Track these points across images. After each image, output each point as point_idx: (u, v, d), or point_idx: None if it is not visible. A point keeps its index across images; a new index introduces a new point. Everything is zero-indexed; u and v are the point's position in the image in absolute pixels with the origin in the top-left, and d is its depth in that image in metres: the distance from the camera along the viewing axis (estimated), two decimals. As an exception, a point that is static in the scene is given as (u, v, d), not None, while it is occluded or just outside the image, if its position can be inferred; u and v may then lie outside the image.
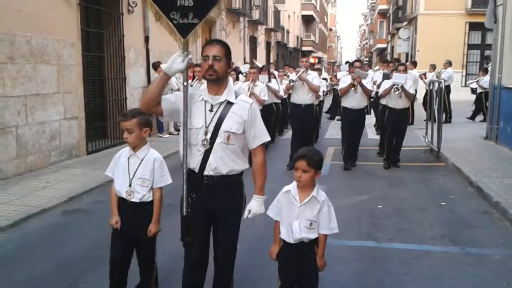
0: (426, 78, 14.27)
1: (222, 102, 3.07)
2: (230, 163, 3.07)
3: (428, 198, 6.65)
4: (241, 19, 22.31)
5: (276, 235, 3.12)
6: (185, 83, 3.05)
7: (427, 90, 11.85)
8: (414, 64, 16.03)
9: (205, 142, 3.03)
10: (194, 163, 3.08)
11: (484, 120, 13.98)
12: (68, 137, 8.86)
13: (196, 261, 3.19)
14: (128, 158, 3.42)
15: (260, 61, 23.45)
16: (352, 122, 8.61)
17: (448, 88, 13.85)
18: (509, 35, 9.88)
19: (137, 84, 11.53)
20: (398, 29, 29.52)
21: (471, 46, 23.19)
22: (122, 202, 3.41)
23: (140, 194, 3.35)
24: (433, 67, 15.35)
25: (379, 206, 6.26)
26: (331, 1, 77.96)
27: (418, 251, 4.74)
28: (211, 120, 3.04)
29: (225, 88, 3.09)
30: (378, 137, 10.71)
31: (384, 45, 45.76)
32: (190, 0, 3.01)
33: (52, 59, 8.34)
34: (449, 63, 15.23)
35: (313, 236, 3.00)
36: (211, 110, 3.06)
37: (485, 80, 14.35)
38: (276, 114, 10.94)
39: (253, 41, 25.63)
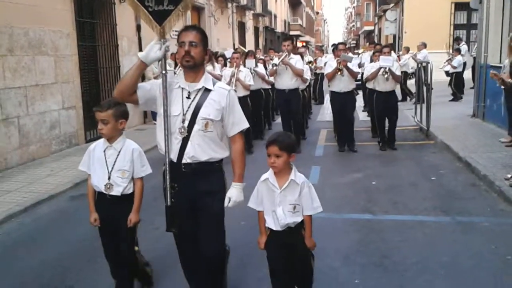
0: (400, 60, 14.44)
1: (199, 89, 3.01)
2: (209, 151, 3.01)
3: (419, 174, 6.96)
4: (229, 5, 22.39)
5: (261, 225, 3.09)
6: (163, 72, 2.97)
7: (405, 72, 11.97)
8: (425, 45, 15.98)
9: (183, 130, 2.96)
10: (173, 152, 3.01)
11: (453, 100, 14.41)
12: (67, 126, 9.04)
13: (188, 252, 3.20)
14: (104, 151, 3.29)
15: (249, 47, 23.60)
16: (342, 106, 8.57)
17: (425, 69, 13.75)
18: (493, 15, 10.16)
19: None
20: (385, 11, 29.67)
21: (457, 26, 23.45)
22: (101, 197, 3.30)
23: (120, 187, 3.24)
24: (406, 50, 15.73)
25: (373, 183, 6.56)
26: (317, -15, 77.77)
27: (412, 221, 5.05)
28: (189, 107, 2.98)
29: (202, 74, 3.04)
30: (369, 118, 10.97)
31: (371, 28, 45.84)
32: None
33: (50, 50, 8.49)
34: (423, 45, 15.41)
35: (298, 219, 2.97)
36: (188, 97, 3.00)
37: (457, 60, 14.78)
38: (267, 100, 10.74)
39: (241, 27, 25.72)
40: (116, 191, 3.24)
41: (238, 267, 3.97)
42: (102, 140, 3.33)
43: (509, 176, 5.94)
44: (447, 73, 15.60)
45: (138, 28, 11.88)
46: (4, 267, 4.29)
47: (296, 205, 2.94)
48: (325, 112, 14.06)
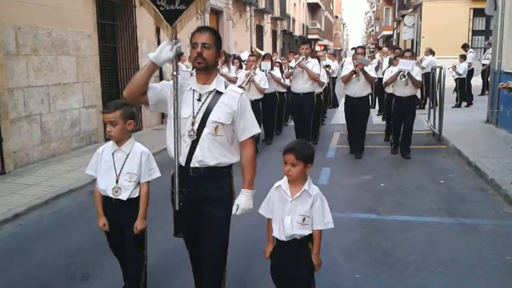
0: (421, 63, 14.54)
1: (210, 92, 2.93)
2: (218, 156, 2.94)
3: (428, 177, 7.08)
4: (248, 8, 22.65)
5: (269, 234, 3.02)
6: (175, 73, 2.92)
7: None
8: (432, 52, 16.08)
9: (192, 133, 2.89)
10: (181, 155, 2.94)
11: (467, 105, 14.50)
12: (87, 124, 9.35)
13: (195, 256, 3.17)
14: (113, 154, 3.23)
15: (267, 50, 23.82)
16: (355, 110, 8.41)
17: (428, 75, 13.36)
18: (508, 21, 10.21)
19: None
20: (403, 16, 29.66)
21: (475, 32, 23.34)
22: (107, 201, 3.24)
23: (128, 191, 3.19)
24: (430, 51, 15.74)
25: (382, 185, 6.70)
26: (337, -12, 77.75)
27: (416, 222, 5.20)
28: (199, 110, 2.91)
29: (214, 77, 2.97)
30: (382, 122, 11.07)
31: (390, 32, 45.79)
32: None
33: (71, 50, 8.82)
34: (429, 51, 15.49)
35: (306, 232, 2.89)
36: (199, 100, 2.93)
37: (462, 66, 14.88)
38: (281, 103, 10.68)
39: (259, 30, 25.96)
40: (123, 196, 3.18)
41: (244, 260, 4.16)
42: (110, 143, 3.27)
43: (516, 180, 6.04)
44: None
45: (158, 30, 12.18)
46: (25, 255, 4.55)
47: (306, 217, 2.87)
48: (339, 116, 14.18)
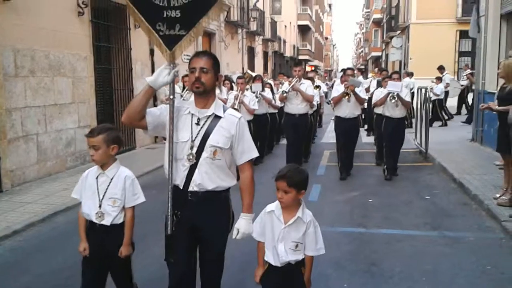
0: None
1: (209, 116, 2.96)
2: (216, 179, 2.96)
3: (414, 193, 7.33)
4: (239, 30, 23.09)
5: (259, 257, 3.00)
6: (171, 97, 2.93)
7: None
8: (410, 74, 16.85)
9: (191, 157, 2.91)
10: (179, 178, 2.95)
11: (442, 125, 15.14)
12: (82, 144, 9.50)
13: (181, 280, 3.03)
14: (97, 178, 3.18)
15: (258, 71, 24.22)
16: (346, 131, 8.40)
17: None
18: (490, 44, 10.61)
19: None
20: (391, 37, 30.33)
21: (461, 53, 23.98)
22: (91, 226, 3.18)
23: (110, 216, 3.12)
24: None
25: (370, 200, 6.94)
26: (327, 11, 79.13)
27: (402, 235, 5.43)
28: (198, 134, 2.93)
29: (213, 101, 2.99)
30: (371, 140, 11.33)
31: (379, 53, 46.67)
32: (177, 11, 2.92)
33: (68, 71, 9.05)
34: (407, 74, 16.15)
35: (299, 257, 2.90)
36: (197, 124, 2.95)
37: (439, 88, 15.66)
38: (272, 124, 10.69)
39: (251, 51, 26.41)
40: (106, 221, 3.12)
41: (238, 273, 4.32)
42: (96, 167, 3.21)
43: (497, 195, 6.30)
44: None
45: (152, 52, 12.47)
46: (24, 269, 4.70)
47: (298, 244, 2.87)
48: (329, 135, 14.45)
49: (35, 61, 8.14)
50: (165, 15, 2.93)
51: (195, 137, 2.93)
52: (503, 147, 6.28)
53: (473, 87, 15.04)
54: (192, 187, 2.94)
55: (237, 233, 2.99)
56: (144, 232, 4.42)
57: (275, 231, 2.89)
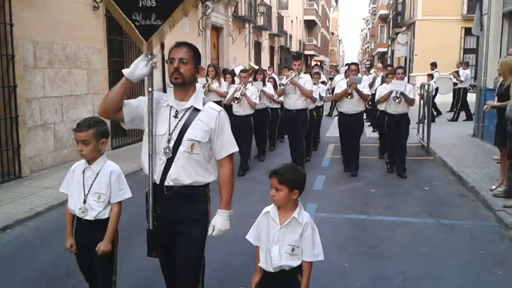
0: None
1: (188, 108, 2.86)
2: (193, 174, 2.84)
3: (414, 184, 7.67)
4: (247, 25, 23.39)
5: (257, 263, 2.85)
6: (150, 89, 2.86)
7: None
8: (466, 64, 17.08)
9: (167, 151, 2.81)
10: (156, 173, 2.85)
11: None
12: (96, 133, 9.88)
13: (168, 278, 3.06)
14: (83, 172, 3.10)
15: (264, 65, 24.52)
16: (348, 127, 8.35)
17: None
18: (493, 41, 10.89)
19: (154, 87, 12.55)
20: (397, 33, 30.55)
21: (466, 50, 24.20)
22: (77, 221, 3.13)
23: (94, 212, 3.05)
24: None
25: (372, 190, 7.29)
26: (333, 6, 79.16)
27: (401, 221, 5.79)
28: (175, 127, 2.83)
29: (192, 93, 2.88)
30: (375, 134, 11.64)
31: (384, 49, 46.83)
32: (152, 1, 2.83)
33: (83, 64, 9.42)
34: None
35: (295, 263, 2.72)
36: (176, 117, 2.85)
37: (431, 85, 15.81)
38: (274, 119, 10.39)
39: (257, 46, 26.71)
40: (90, 216, 3.05)
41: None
42: (82, 161, 3.15)
43: (493, 187, 6.64)
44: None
45: (162, 46, 12.77)
46: (49, 246, 5.08)
47: (295, 247, 2.71)
48: (333, 130, 14.67)
49: (53, 53, 8.50)
50: (140, 4, 2.85)
51: (173, 130, 2.84)
52: (500, 140, 6.61)
53: (459, 85, 15.59)
54: (168, 182, 2.84)
55: (213, 230, 2.88)
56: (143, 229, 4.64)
57: (270, 233, 2.77)
